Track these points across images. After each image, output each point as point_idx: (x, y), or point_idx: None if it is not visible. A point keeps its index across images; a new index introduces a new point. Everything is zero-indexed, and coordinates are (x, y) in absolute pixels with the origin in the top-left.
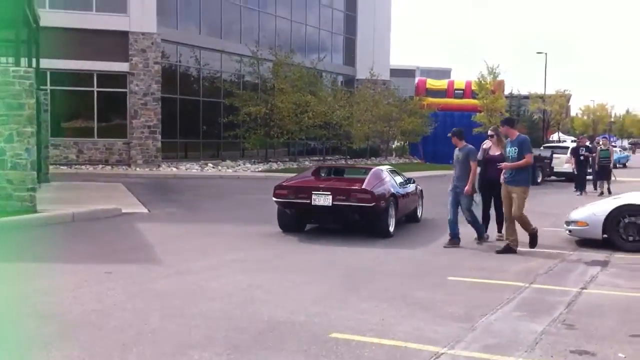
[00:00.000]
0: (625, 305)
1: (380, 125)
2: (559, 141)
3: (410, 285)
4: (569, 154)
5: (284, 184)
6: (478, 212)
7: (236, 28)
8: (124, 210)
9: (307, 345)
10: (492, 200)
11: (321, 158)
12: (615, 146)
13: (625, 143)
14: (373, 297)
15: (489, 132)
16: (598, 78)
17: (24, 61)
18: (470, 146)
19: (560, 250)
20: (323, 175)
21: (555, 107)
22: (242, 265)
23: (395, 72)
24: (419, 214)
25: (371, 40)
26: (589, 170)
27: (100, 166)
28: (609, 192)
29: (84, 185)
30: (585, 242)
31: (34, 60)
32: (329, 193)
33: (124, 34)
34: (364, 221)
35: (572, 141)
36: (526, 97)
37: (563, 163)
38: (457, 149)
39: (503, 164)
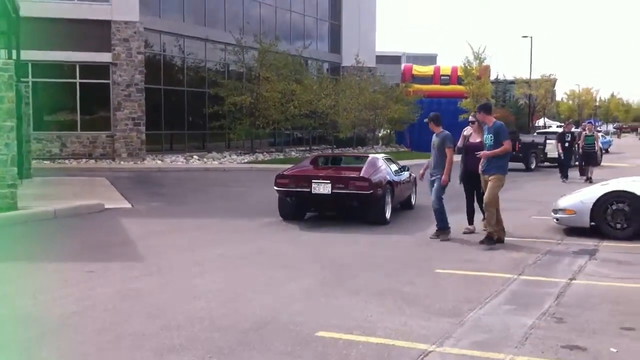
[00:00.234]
0: (615, 296)
1: (366, 114)
2: (545, 127)
3: (398, 279)
4: (555, 140)
5: (284, 173)
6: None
7: (220, 15)
8: (107, 206)
9: (292, 346)
10: (476, 193)
11: (307, 148)
12: (600, 131)
13: (611, 127)
14: (360, 292)
15: (470, 119)
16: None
17: (3, 53)
18: (446, 132)
19: (548, 239)
20: (321, 164)
21: (541, 91)
22: (227, 261)
23: (382, 59)
24: (412, 201)
25: (357, 27)
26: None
27: (84, 160)
28: (590, 180)
29: (67, 181)
30: (573, 231)
31: (14, 52)
32: (328, 181)
33: (106, 23)
34: (361, 208)
35: (557, 126)
36: (512, 83)
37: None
38: (434, 135)
39: (481, 152)
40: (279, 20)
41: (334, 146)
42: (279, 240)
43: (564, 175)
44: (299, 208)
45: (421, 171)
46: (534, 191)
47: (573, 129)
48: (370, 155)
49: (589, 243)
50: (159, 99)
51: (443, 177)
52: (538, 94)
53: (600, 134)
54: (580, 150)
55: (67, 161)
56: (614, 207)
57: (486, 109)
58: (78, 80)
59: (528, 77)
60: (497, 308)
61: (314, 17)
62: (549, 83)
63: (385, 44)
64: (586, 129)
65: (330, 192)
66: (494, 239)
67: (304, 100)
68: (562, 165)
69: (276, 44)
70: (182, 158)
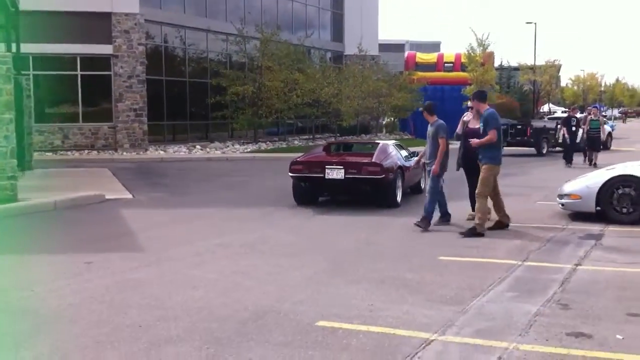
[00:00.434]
0: (621, 282)
1: (369, 102)
2: (550, 112)
3: (400, 266)
4: (560, 124)
5: (298, 159)
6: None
7: (222, 6)
8: (107, 197)
9: (292, 335)
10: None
11: (310, 137)
12: (605, 116)
13: (616, 112)
14: (362, 280)
15: (469, 104)
16: (588, 47)
17: (2, 46)
18: (441, 121)
19: (553, 225)
20: (333, 150)
21: (546, 77)
22: (227, 250)
23: (385, 47)
24: (422, 185)
25: (359, 15)
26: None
27: (87, 151)
28: (594, 165)
29: (68, 172)
30: (579, 216)
31: (13, 45)
32: (341, 167)
33: (107, 15)
34: (373, 192)
35: (562, 112)
36: (516, 69)
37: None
38: (429, 124)
39: (472, 140)
40: (280, 10)
41: (338, 134)
42: (281, 229)
43: (569, 161)
44: (313, 193)
45: (416, 159)
46: (541, 176)
47: (578, 114)
48: (381, 142)
49: (594, 228)
50: (161, 90)
51: (434, 167)
52: (543, 80)
53: (604, 119)
54: (585, 135)
55: (69, 153)
56: (620, 191)
57: (480, 96)
58: (79, 73)
59: (532, 63)
60: (500, 295)
61: (316, 6)
62: (554, 69)
63: (388, 32)
64: (592, 113)
65: (343, 177)
66: (478, 232)
67: (306, 89)
68: (567, 151)
69: (278, 34)
70: (185, 148)
